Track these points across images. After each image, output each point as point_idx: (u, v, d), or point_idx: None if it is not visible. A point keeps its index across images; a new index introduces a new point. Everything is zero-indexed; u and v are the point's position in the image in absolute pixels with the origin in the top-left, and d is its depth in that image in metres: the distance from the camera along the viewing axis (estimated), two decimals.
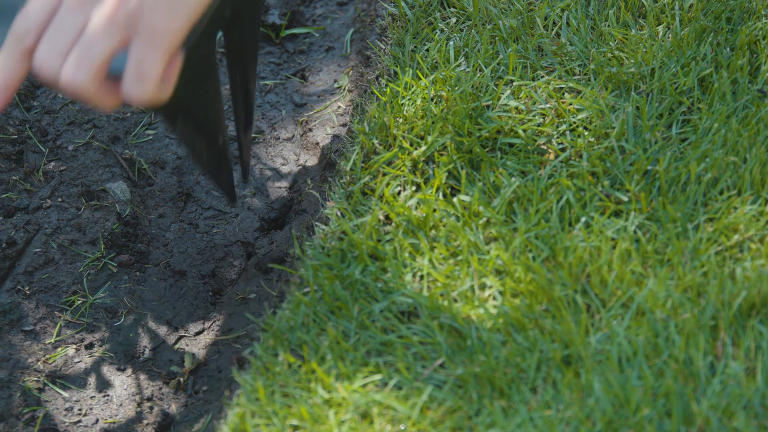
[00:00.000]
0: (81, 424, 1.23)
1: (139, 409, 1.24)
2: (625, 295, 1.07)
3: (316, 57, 1.58)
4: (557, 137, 1.21)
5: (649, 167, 1.16)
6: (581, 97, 1.23)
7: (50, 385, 1.26)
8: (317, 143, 1.46)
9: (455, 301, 1.09)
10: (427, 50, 1.31)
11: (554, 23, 1.32)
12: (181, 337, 1.31)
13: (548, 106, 1.23)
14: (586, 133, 1.20)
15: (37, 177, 1.44)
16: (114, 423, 1.23)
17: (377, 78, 1.36)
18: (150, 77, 1.03)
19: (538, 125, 1.22)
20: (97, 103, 1.05)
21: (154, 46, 1.02)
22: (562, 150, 1.20)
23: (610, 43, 1.29)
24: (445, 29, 1.34)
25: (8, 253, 1.35)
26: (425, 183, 1.20)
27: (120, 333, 1.33)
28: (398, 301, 1.10)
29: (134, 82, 1.03)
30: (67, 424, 1.23)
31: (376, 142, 1.24)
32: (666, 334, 1.03)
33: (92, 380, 1.27)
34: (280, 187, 1.45)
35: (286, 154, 1.48)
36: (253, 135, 1.51)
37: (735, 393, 0.98)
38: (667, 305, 1.06)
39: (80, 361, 1.29)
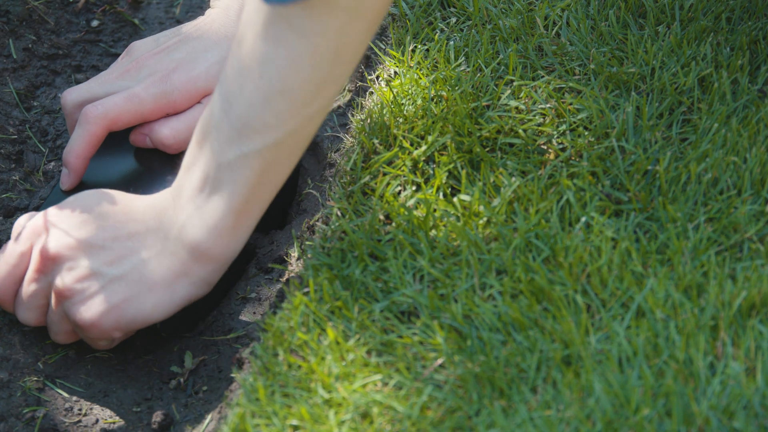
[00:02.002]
0: (81, 424, 1.23)
1: (138, 409, 1.24)
2: (625, 295, 1.07)
3: None
4: (557, 137, 1.21)
5: (649, 167, 1.16)
6: (581, 97, 1.23)
7: (50, 385, 1.26)
8: (317, 143, 1.46)
9: (455, 300, 1.09)
10: (428, 50, 1.31)
11: (554, 23, 1.32)
12: (181, 337, 1.31)
13: (548, 105, 1.23)
14: (586, 132, 1.20)
15: (37, 177, 1.44)
16: (114, 423, 1.23)
17: (377, 78, 1.36)
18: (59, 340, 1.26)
19: (539, 125, 1.22)
20: None
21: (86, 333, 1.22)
22: (563, 150, 1.20)
23: (610, 43, 1.29)
24: (445, 29, 1.34)
25: None
26: (425, 183, 1.20)
27: None
28: (398, 301, 1.10)
29: (52, 335, 1.25)
30: (67, 424, 1.23)
31: (376, 141, 1.24)
32: (666, 334, 1.03)
33: (92, 380, 1.27)
34: None
35: None
36: None
37: (735, 393, 0.98)
38: (667, 305, 1.06)
39: (80, 361, 1.29)
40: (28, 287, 1.21)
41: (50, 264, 1.19)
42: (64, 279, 1.18)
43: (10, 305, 1.24)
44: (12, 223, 1.38)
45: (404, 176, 1.21)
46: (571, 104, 1.23)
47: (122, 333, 1.21)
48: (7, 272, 1.22)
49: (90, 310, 1.18)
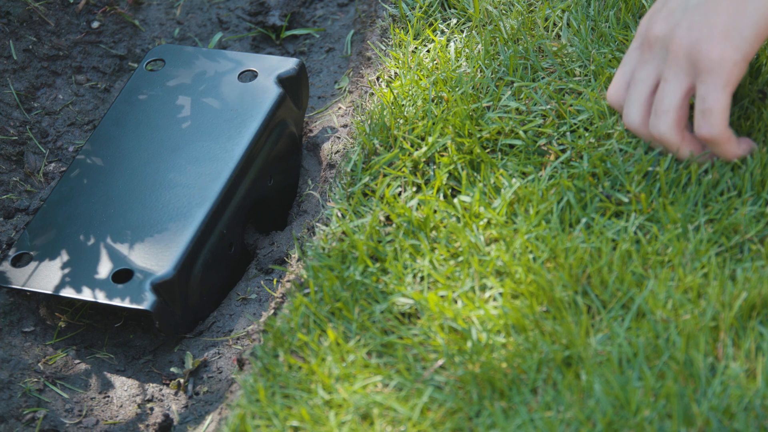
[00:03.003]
0: (81, 425, 1.23)
1: (139, 410, 1.24)
2: (625, 296, 1.07)
3: (317, 58, 1.58)
4: (558, 138, 1.21)
5: (650, 168, 1.16)
6: (582, 98, 1.23)
7: (50, 386, 1.26)
8: (317, 144, 1.46)
9: (456, 302, 1.09)
10: (428, 51, 1.31)
11: (554, 24, 1.32)
12: (181, 338, 1.31)
13: (549, 107, 1.23)
14: (586, 134, 1.20)
15: (38, 178, 1.44)
16: (114, 424, 1.23)
17: (378, 79, 1.36)
18: (713, 112, 1.08)
19: (539, 126, 1.22)
20: (681, 151, 1.13)
21: (714, 79, 1.07)
22: (563, 151, 1.20)
23: (611, 44, 1.29)
24: (446, 30, 1.34)
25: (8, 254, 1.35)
26: (426, 184, 1.20)
27: (120, 334, 1.33)
28: (399, 302, 1.10)
29: (700, 118, 1.09)
30: (67, 425, 1.23)
31: (376, 142, 1.24)
32: (666, 335, 1.03)
33: (92, 381, 1.27)
34: None
35: None
36: None
37: (735, 394, 0.98)
38: (667, 306, 1.06)
39: (80, 362, 1.29)
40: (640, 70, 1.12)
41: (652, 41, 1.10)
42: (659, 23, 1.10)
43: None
44: (12, 225, 1.38)
45: (404, 177, 1.21)
46: (571, 105, 1.23)
47: (747, 56, 1.06)
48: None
49: (702, 31, 1.06)
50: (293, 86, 1.42)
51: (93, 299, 1.25)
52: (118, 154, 1.37)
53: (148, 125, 1.39)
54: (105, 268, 1.27)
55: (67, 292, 1.26)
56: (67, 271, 1.28)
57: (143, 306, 1.23)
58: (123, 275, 1.26)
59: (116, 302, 1.24)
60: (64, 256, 1.29)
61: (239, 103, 1.39)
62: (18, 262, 1.30)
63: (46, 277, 1.28)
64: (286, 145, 1.42)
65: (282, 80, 1.41)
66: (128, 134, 1.39)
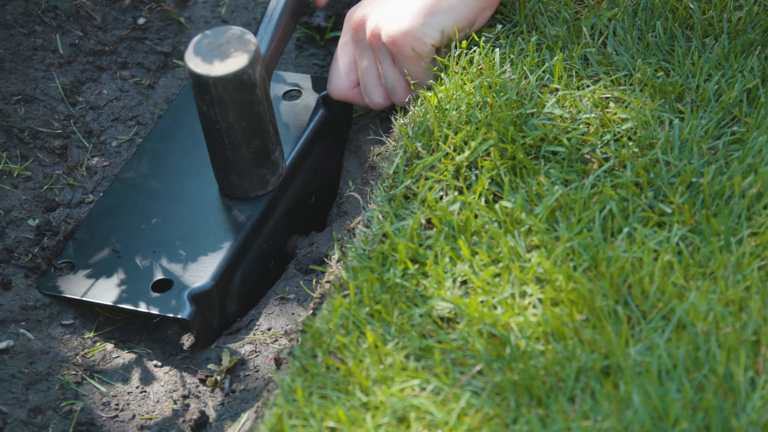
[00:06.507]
0: (118, 419, 1.24)
1: (175, 406, 1.25)
2: (666, 308, 1.07)
3: None
4: (601, 147, 1.20)
5: (694, 179, 1.16)
6: (626, 108, 1.23)
7: (88, 379, 1.26)
8: (359, 145, 1.47)
9: (495, 308, 1.09)
10: (473, 56, 1.31)
11: (600, 33, 1.32)
12: (219, 335, 1.31)
13: (593, 115, 1.23)
14: (630, 143, 1.20)
15: (81, 172, 1.45)
16: (150, 419, 1.24)
17: None
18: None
19: (583, 134, 1.22)
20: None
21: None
22: (606, 160, 1.20)
23: (657, 54, 1.28)
24: (491, 36, 1.34)
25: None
26: (468, 188, 1.20)
27: (158, 329, 1.34)
28: (438, 306, 1.10)
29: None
30: (104, 418, 1.23)
31: (419, 146, 1.24)
32: (707, 347, 1.03)
33: (130, 376, 1.28)
34: None
35: None
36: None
37: None
38: (708, 319, 1.05)
39: (118, 357, 1.29)
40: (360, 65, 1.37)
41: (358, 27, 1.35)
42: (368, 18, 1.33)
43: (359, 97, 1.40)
44: (53, 218, 1.39)
45: (446, 181, 1.21)
46: (615, 114, 1.23)
47: (435, 36, 1.31)
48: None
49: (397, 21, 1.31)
50: (337, 104, 1.43)
51: (132, 307, 1.27)
52: (162, 169, 1.39)
53: (192, 142, 1.41)
54: (146, 278, 1.29)
55: (108, 300, 1.28)
56: (108, 279, 1.30)
57: (181, 315, 1.25)
58: (163, 285, 1.28)
59: (155, 311, 1.26)
60: (107, 266, 1.31)
61: (283, 122, 1.41)
62: (62, 270, 1.32)
63: (87, 285, 1.30)
64: (329, 162, 1.43)
65: (326, 99, 1.42)
66: (173, 149, 1.41)
